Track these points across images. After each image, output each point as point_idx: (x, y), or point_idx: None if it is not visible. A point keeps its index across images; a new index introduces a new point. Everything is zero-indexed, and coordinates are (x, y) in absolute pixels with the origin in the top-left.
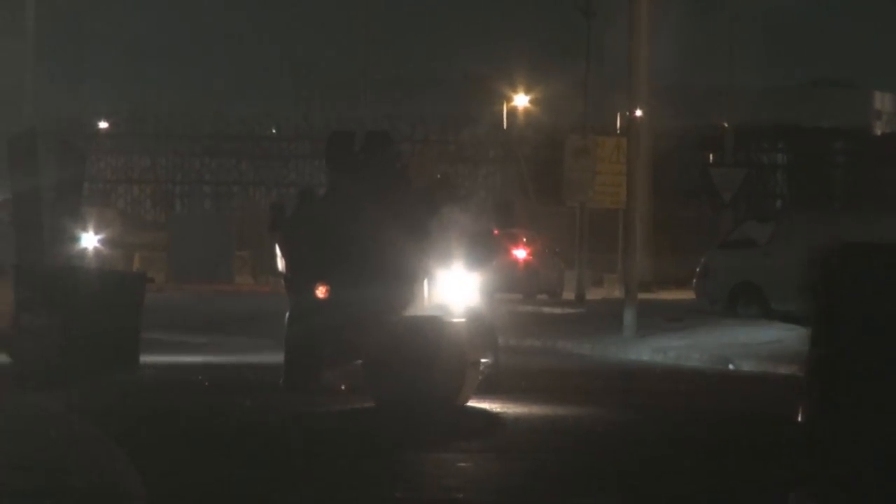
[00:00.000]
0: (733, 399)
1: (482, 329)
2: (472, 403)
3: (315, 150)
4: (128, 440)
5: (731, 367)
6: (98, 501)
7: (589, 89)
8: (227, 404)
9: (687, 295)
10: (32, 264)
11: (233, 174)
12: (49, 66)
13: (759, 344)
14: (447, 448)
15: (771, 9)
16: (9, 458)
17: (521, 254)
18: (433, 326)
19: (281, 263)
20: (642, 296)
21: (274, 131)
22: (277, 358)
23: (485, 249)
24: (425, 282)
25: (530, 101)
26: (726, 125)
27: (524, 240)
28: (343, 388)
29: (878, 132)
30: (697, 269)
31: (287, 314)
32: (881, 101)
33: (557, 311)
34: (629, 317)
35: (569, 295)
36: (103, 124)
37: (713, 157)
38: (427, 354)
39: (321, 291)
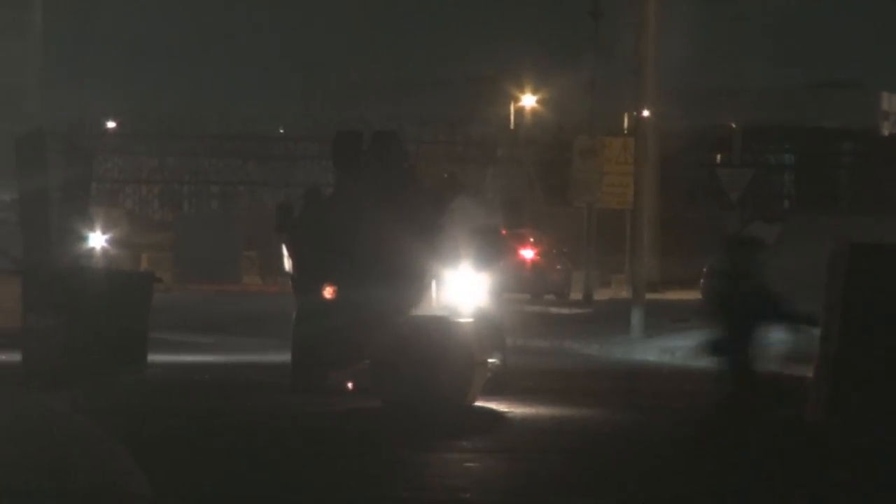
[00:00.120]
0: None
1: (490, 329)
2: (479, 403)
3: (322, 151)
4: (134, 440)
5: None
6: (103, 501)
7: (596, 89)
8: (233, 404)
9: (694, 295)
10: (40, 264)
11: (240, 174)
12: (56, 66)
13: (766, 344)
14: (454, 448)
15: (778, 8)
16: (14, 457)
17: (528, 254)
18: (440, 327)
19: (288, 264)
20: (649, 296)
21: (281, 131)
22: (284, 358)
23: (492, 249)
24: (433, 282)
25: (538, 102)
26: (734, 126)
27: (531, 240)
28: (350, 388)
29: (886, 133)
30: (704, 270)
31: (294, 314)
32: (889, 101)
33: (565, 311)
34: (636, 317)
35: (576, 295)
36: (111, 124)
37: (720, 157)
38: (434, 355)
39: (328, 292)
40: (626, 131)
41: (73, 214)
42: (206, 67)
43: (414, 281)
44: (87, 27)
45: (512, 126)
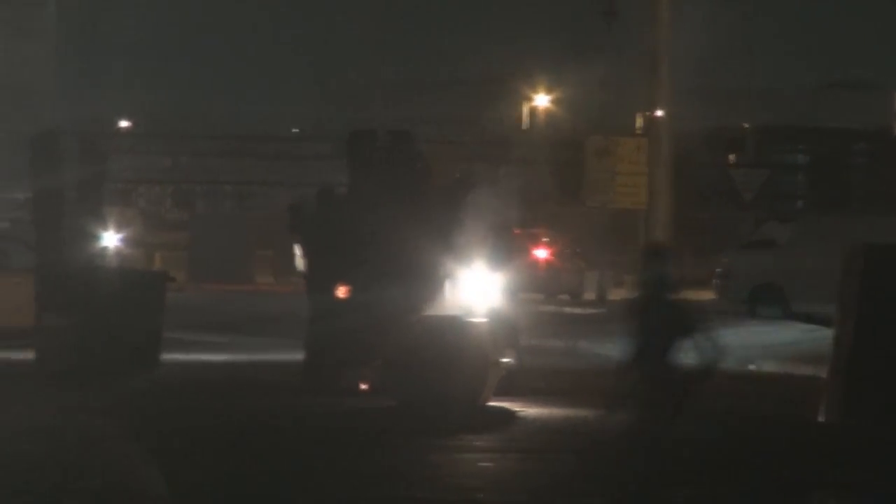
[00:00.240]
0: (754, 400)
1: (503, 329)
2: (492, 403)
3: (335, 151)
4: (147, 439)
5: (752, 367)
6: (116, 500)
7: (609, 89)
8: (246, 404)
9: (708, 295)
10: (53, 263)
11: (253, 174)
12: (70, 66)
13: (779, 344)
14: (467, 448)
15: (791, 9)
16: (28, 456)
17: (541, 254)
18: (454, 326)
19: (301, 263)
20: None
21: (295, 131)
22: (297, 358)
23: (505, 249)
24: (446, 282)
25: (551, 102)
26: (747, 126)
27: (545, 240)
28: (363, 388)
29: None
30: (718, 270)
31: (307, 314)
32: None
33: (578, 311)
34: None
35: (589, 295)
36: (124, 123)
37: (734, 157)
38: (448, 354)
39: (342, 291)
40: (639, 131)
41: (86, 214)
42: (220, 67)
43: (427, 281)
44: (101, 27)
45: (525, 126)
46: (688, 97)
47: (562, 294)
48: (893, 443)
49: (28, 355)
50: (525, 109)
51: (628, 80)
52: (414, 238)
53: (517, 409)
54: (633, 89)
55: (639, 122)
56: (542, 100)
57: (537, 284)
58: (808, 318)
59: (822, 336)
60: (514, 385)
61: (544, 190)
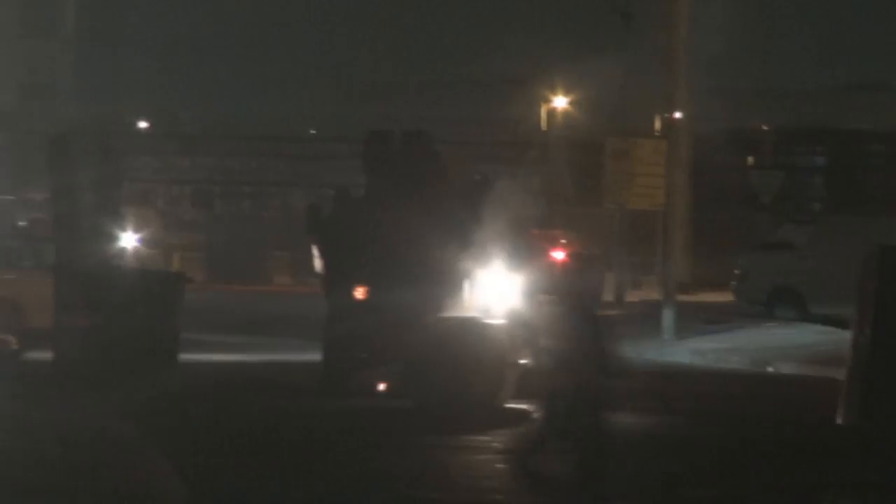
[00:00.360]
0: (772, 402)
1: (521, 330)
2: (509, 404)
3: (353, 151)
4: (165, 440)
5: (769, 369)
6: (135, 501)
7: (627, 91)
8: (264, 405)
9: (725, 297)
10: (71, 264)
11: (271, 175)
12: (88, 65)
13: (797, 347)
14: (484, 449)
15: (810, 10)
16: (47, 457)
17: (559, 255)
18: (471, 328)
19: (318, 264)
20: (681, 298)
21: (312, 132)
22: (315, 358)
23: (524, 251)
24: (464, 283)
25: (569, 103)
26: (765, 128)
27: (563, 241)
28: (381, 388)
29: None
30: (736, 272)
31: (325, 315)
32: None
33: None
34: (668, 319)
35: (607, 297)
36: (142, 124)
37: (752, 159)
38: (466, 356)
39: (359, 292)
40: (657, 132)
41: (104, 214)
42: (238, 67)
43: (445, 282)
44: (119, 27)
45: (543, 127)
46: (706, 98)
47: None
48: None
49: (47, 356)
50: (543, 111)
51: (647, 81)
52: (432, 239)
53: (534, 409)
54: (652, 91)
55: (657, 123)
56: (560, 101)
57: (554, 286)
58: (826, 320)
59: (839, 338)
60: (530, 386)
61: (562, 191)
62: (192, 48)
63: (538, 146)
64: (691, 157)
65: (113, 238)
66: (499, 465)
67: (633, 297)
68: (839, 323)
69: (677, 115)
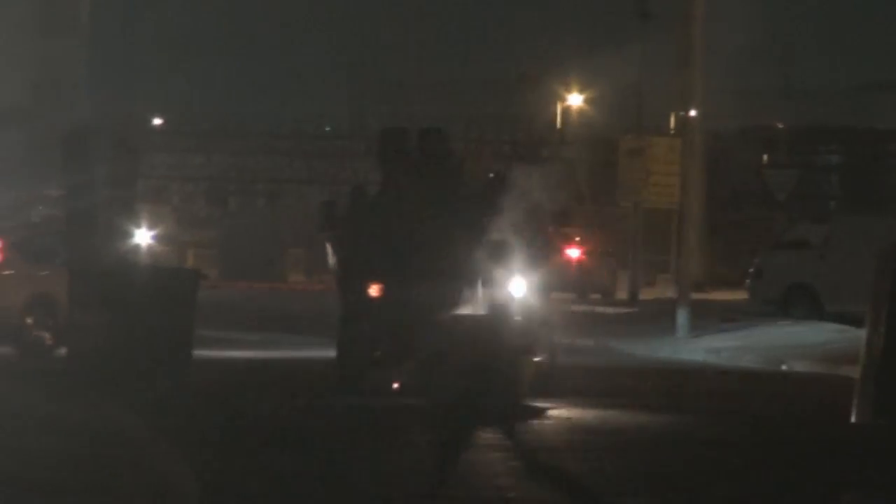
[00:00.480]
0: (786, 400)
1: (537, 328)
2: (525, 402)
3: (368, 149)
4: (179, 437)
5: (784, 367)
6: (149, 498)
7: (643, 89)
8: (278, 403)
9: (740, 295)
10: (86, 260)
11: (286, 172)
12: (103, 62)
13: (812, 345)
14: (499, 447)
15: (827, 9)
16: (61, 454)
17: (574, 253)
18: (487, 325)
19: (333, 262)
20: (695, 296)
21: (328, 129)
22: (329, 356)
23: (539, 248)
24: (479, 280)
25: (585, 101)
26: (781, 126)
27: (578, 239)
28: (395, 386)
29: None
30: (751, 270)
31: (340, 313)
32: None
33: (611, 310)
34: (682, 317)
35: (622, 294)
36: (157, 121)
37: (768, 158)
38: (481, 353)
39: (374, 290)
40: (672, 131)
41: (119, 211)
42: (253, 65)
43: (460, 279)
44: (134, 23)
45: (559, 125)
46: (722, 97)
47: (593, 293)
48: None
49: (60, 353)
50: (558, 109)
51: (663, 79)
52: (447, 236)
53: (550, 408)
54: (668, 89)
55: (673, 121)
56: (575, 99)
57: (570, 283)
58: (841, 319)
59: (854, 336)
60: (546, 384)
61: (577, 189)
62: (207, 45)
63: (553, 144)
64: (707, 155)
65: (127, 235)
66: (513, 463)
67: (647, 294)
68: (854, 321)
69: (693, 113)
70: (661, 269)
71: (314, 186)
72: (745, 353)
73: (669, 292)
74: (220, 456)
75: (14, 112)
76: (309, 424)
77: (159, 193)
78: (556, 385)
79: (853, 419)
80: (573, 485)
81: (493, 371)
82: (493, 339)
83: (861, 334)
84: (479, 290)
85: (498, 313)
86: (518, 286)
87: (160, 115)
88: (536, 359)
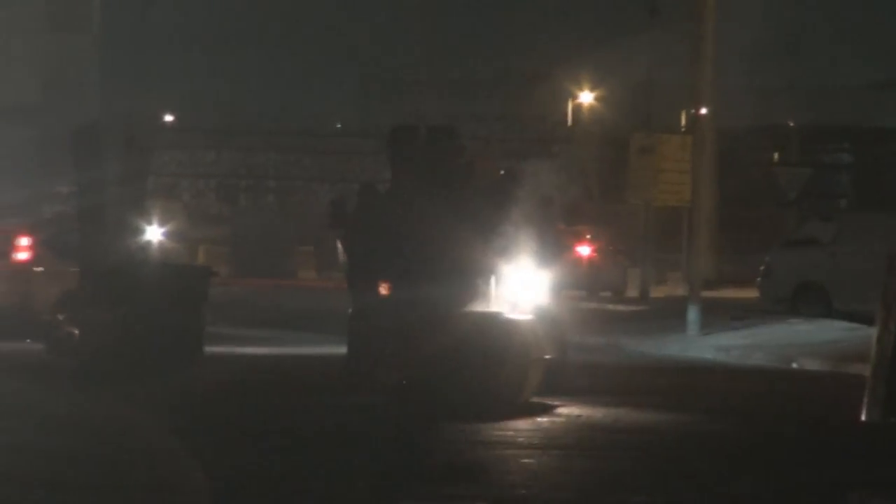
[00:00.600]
0: (797, 398)
1: (547, 326)
2: (535, 400)
3: (378, 146)
4: (189, 435)
5: (794, 366)
6: (159, 495)
7: (653, 87)
8: (288, 401)
9: (750, 293)
10: (96, 257)
11: (296, 169)
12: (114, 59)
13: (822, 343)
14: (510, 444)
15: (839, 7)
16: (70, 452)
17: (585, 251)
18: (497, 323)
19: (344, 259)
20: (705, 294)
21: (338, 126)
22: (339, 353)
23: (550, 246)
24: (490, 278)
25: (595, 99)
26: (791, 125)
27: (588, 237)
28: (405, 384)
29: None
30: (761, 268)
31: (349, 310)
32: None
33: (621, 308)
34: (693, 315)
35: (632, 292)
36: (168, 118)
37: (778, 156)
38: (490, 351)
39: (384, 288)
40: (683, 128)
41: (129, 208)
42: (264, 62)
43: (470, 277)
44: (145, 20)
45: (569, 123)
46: (733, 95)
47: (604, 291)
48: None
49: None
50: (569, 106)
51: (674, 77)
52: (457, 234)
53: (560, 405)
54: (679, 87)
55: (684, 119)
56: (586, 97)
57: (580, 281)
58: (851, 317)
59: (864, 335)
60: (556, 382)
61: (588, 187)
62: (218, 43)
63: (564, 142)
64: (717, 153)
65: (138, 232)
66: (523, 461)
67: (657, 292)
68: (864, 319)
69: (703, 110)
70: (672, 266)
71: (324, 184)
72: (754, 351)
73: (680, 290)
74: (231, 452)
75: (25, 109)
76: (319, 421)
77: (170, 190)
78: (567, 383)
79: (863, 417)
80: (584, 482)
81: (503, 368)
82: (503, 337)
83: (871, 332)
84: (490, 288)
85: (508, 311)
86: (528, 284)
87: (171, 113)
88: (547, 356)
